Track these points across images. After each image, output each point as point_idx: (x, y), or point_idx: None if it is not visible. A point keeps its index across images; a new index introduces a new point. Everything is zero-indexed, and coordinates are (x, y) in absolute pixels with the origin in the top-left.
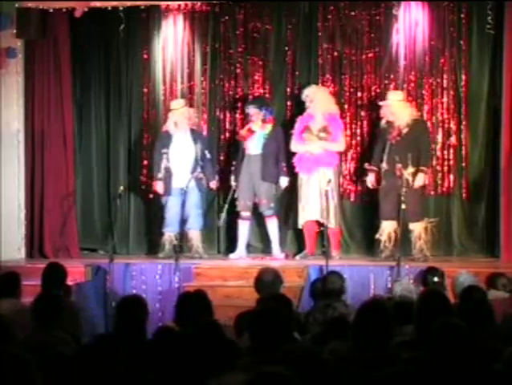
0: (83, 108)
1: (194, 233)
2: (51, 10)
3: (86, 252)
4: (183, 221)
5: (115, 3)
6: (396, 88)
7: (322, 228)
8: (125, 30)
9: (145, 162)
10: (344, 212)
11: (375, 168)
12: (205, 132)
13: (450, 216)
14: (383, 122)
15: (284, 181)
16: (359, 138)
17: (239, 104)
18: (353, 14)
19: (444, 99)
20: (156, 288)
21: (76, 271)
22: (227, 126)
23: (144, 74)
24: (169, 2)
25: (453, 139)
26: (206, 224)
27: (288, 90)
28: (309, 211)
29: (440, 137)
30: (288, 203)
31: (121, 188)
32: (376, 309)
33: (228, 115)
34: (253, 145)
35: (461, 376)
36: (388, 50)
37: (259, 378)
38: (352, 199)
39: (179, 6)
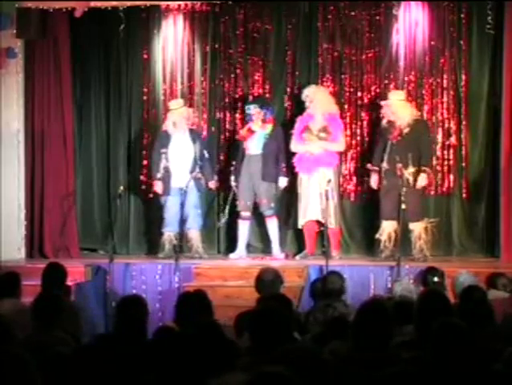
0: (83, 108)
1: (194, 233)
2: (51, 10)
3: (86, 252)
4: (182, 221)
5: (115, 3)
6: (396, 88)
7: (322, 228)
8: (125, 30)
9: (145, 162)
10: (344, 212)
11: (377, 169)
12: (204, 132)
13: (450, 216)
14: (384, 121)
15: (283, 182)
16: (359, 138)
17: (239, 104)
18: (353, 14)
19: (445, 99)
20: (156, 288)
21: (76, 271)
22: (227, 126)
23: (144, 74)
24: (169, 2)
25: (452, 139)
26: (206, 224)
27: (288, 90)
28: (309, 211)
29: (440, 137)
30: (288, 203)
31: (121, 188)
32: (376, 309)
33: (228, 115)
34: (254, 145)
35: (461, 376)
36: (388, 50)
37: (259, 378)
38: (352, 199)
39: (179, 6)
